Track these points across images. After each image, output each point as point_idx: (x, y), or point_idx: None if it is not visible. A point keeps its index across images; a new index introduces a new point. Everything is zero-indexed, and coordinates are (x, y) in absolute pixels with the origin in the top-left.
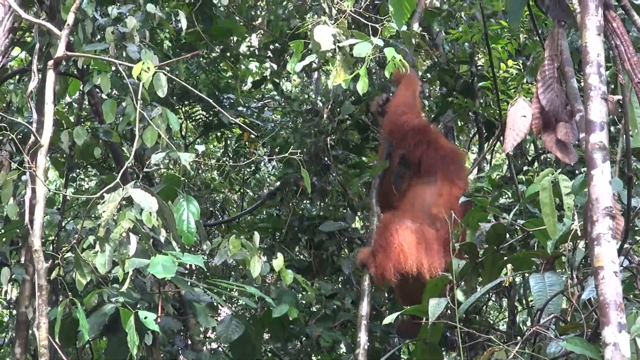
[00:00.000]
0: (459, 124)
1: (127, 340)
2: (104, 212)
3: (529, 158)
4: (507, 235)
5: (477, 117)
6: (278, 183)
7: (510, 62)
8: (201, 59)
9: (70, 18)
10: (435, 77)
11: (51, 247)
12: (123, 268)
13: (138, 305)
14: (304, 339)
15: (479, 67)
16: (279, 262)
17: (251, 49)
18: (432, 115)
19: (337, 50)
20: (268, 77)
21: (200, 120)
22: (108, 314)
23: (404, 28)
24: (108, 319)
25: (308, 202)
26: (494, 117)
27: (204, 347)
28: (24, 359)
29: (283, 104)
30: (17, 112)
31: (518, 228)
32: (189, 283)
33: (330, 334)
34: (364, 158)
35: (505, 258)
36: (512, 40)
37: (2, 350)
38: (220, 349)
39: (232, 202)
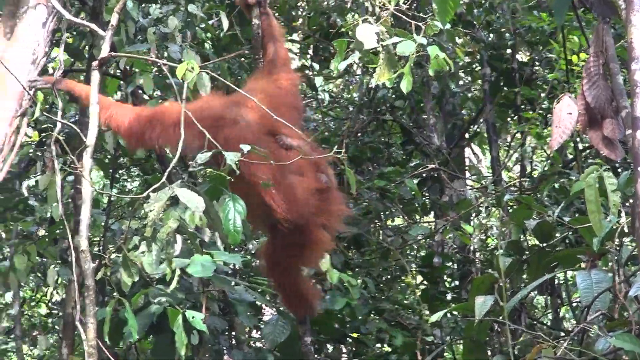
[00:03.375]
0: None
1: (175, 340)
2: (150, 212)
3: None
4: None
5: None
6: None
7: (582, 55)
8: (242, 59)
9: (113, 19)
10: (477, 74)
11: (96, 248)
12: (170, 267)
13: (181, 305)
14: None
15: (549, 57)
16: (325, 262)
17: (293, 48)
18: (478, 112)
19: (380, 48)
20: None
21: None
22: (155, 313)
23: (448, 26)
24: (154, 319)
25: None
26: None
27: (249, 347)
28: None
29: (325, 103)
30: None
31: (564, 225)
32: (232, 283)
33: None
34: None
35: (551, 256)
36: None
37: (49, 351)
38: (265, 348)
39: None
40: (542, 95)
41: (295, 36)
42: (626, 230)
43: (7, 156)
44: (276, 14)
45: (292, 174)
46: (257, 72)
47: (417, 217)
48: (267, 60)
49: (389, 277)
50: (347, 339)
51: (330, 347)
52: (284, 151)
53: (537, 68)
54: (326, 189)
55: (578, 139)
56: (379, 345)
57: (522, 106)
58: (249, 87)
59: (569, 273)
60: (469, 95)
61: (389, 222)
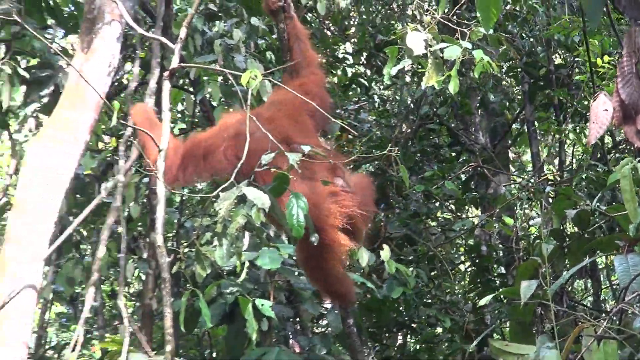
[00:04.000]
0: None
1: (245, 327)
2: (220, 209)
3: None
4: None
5: (557, 107)
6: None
7: (606, 58)
8: None
9: (182, 32)
10: (516, 75)
11: (170, 243)
12: (240, 260)
13: (250, 295)
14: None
15: (577, 60)
16: (385, 252)
17: (346, 55)
18: (518, 113)
19: (428, 54)
20: (355, 80)
21: None
22: (227, 303)
23: (491, 31)
24: (226, 308)
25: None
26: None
27: (314, 333)
28: (149, 347)
29: (378, 106)
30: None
31: (601, 213)
32: (296, 273)
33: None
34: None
35: (590, 242)
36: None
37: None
38: (329, 333)
39: None
40: (577, 95)
41: (347, 45)
42: None
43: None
44: (330, 24)
45: (306, 179)
46: (283, 77)
47: (467, 210)
48: (293, 62)
49: (439, 266)
50: (402, 325)
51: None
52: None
53: (567, 70)
54: (343, 192)
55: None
56: (430, 329)
57: (560, 106)
58: (270, 99)
59: (607, 258)
60: (511, 97)
61: (438, 215)
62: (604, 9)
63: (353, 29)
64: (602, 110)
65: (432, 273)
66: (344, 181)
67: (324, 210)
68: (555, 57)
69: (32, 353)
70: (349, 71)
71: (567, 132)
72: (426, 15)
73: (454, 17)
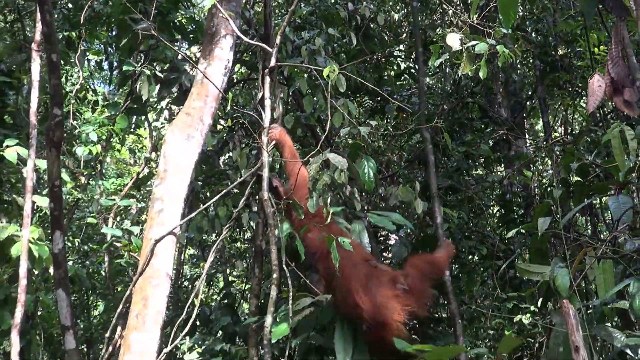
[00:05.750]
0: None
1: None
2: (310, 170)
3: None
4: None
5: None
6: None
7: (602, 47)
8: (365, 64)
9: (277, 40)
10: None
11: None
12: (326, 208)
13: None
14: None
15: (579, 50)
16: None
17: (399, 53)
18: (532, 92)
19: (463, 49)
20: (407, 72)
21: (367, 106)
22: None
23: (510, 30)
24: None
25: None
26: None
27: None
28: (260, 277)
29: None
30: (243, 107)
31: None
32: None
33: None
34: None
35: (589, 188)
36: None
37: (244, 272)
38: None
39: (393, 162)
40: (577, 77)
41: (401, 46)
42: None
43: (208, 138)
44: (387, 31)
45: (375, 285)
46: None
47: (495, 167)
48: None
49: (476, 209)
50: None
51: None
52: (373, 269)
53: (572, 59)
54: (402, 293)
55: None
56: (470, 257)
57: (564, 85)
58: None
59: (602, 199)
60: (526, 80)
61: (473, 172)
62: (596, 8)
63: (404, 35)
64: (597, 86)
65: (471, 214)
66: (402, 285)
67: (389, 308)
68: (560, 48)
69: (172, 283)
70: (402, 65)
71: (570, 104)
72: (460, 20)
73: (482, 20)
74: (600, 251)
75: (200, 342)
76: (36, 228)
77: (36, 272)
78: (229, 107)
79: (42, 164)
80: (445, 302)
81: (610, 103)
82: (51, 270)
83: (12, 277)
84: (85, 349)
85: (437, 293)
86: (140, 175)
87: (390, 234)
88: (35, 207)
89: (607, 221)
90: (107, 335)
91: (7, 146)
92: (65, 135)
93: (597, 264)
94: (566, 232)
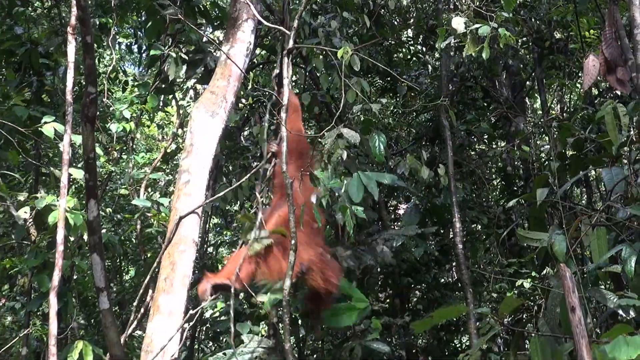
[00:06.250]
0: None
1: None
2: (326, 144)
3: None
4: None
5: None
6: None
7: (592, 31)
8: (377, 47)
9: (295, 23)
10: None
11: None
12: (340, 178)
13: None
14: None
15: (571, 34)
16: (441, 171)
17: (408, 37)
18: (530, 73)
19: (467, 32)
20: (415, 55)
21: (378, 86)
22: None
23: (511, 15)
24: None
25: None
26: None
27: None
28: None
29: (431, 72)
30: (263, 87)
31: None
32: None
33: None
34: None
35: (584, 160)
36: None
37: None
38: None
39: (402, 138)
40: (571, 59)
41: (409, 30)
42: (634, 140)
43: (231, 115)
44: (396, 16)
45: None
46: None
47: (496, 142)
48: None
49: (478, 181)
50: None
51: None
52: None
53: (567, 43)
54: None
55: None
56: (473, 225)
57: (560, 67)
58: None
59: (596, 171)
60: (525, 62)
61: (476, 147)
62: None
63: (412, 20)
64: (592, 65)
65: (473, 187)
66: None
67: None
68: (556, 33)
69: (198, 249)
70: (411, 49)
71: (566, 84)
72: (464, 4)
73: (484, 5)
74: (595, 219)
75: (222, 302)
76: (72, 198)
77: (72, 238)
78: (250, 87)
79: (78, 138)
80: (450, 268)
81: (604, 82)
82: (86, 236)
83: (49, 243)
84: (118, 310)
85: (446, 259)
86: (168, 150)
87: (399, 204)
88: (71, 179)
89: (601, 191)
90: (138, 297)
91: (45, 122)
92: (98, 112)
93: (591, 231)
94: (563, 201)
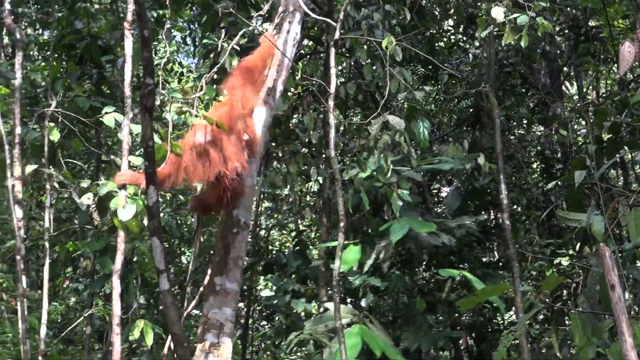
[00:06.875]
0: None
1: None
2: (372, 131)
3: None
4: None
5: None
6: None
7: (620, 21)
8: (419, 37)
9: (341, 16)
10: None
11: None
12: (387, 164)
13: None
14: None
15: (601, 24)
16: (481, 159)
17: (448, 27)
18: (566, 59)
19: (506, 21)
20: (456, 44)
21: (420, 74)
22: (380, 193)
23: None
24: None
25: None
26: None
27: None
28: (328, 225)
29: (472, 60)
30: (311, 76)
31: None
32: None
33: None
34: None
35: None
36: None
37: (313, 221)
38: (445, 214)
39: (444, 124)
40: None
41: (450, 20)
42: None
43: (280, 103)
44: (436, 6)
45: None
46: None
47: (535, 127)
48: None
49: (518, 164)
50: (494, 205)
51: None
52: None
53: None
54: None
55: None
56: (514, 206)
57: (595, 52)
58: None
59: (632, 154)
60: (562, 49)
61: (515, 132)
62: None
63: (452, 10)
64: (627, 52)
65: (513, 169)
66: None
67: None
68: (591, 21)
69: (251, 231)
70: (452, 38)
71: (601, 70)
72: None
73: None
74: (632, 200)
75: (275, 282)
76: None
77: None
78: (298, 76)
79: (136, 128)
80: (492, 248)
81: (638, 67)
82: (145, 221)
83: (111, 228)
84: (176, 289)
85: (487, 239)
86: None
87: (441, 187)
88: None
89: (637, 173)
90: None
91: (106, 113)
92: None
93: (629, 212)
94: (600, 183)
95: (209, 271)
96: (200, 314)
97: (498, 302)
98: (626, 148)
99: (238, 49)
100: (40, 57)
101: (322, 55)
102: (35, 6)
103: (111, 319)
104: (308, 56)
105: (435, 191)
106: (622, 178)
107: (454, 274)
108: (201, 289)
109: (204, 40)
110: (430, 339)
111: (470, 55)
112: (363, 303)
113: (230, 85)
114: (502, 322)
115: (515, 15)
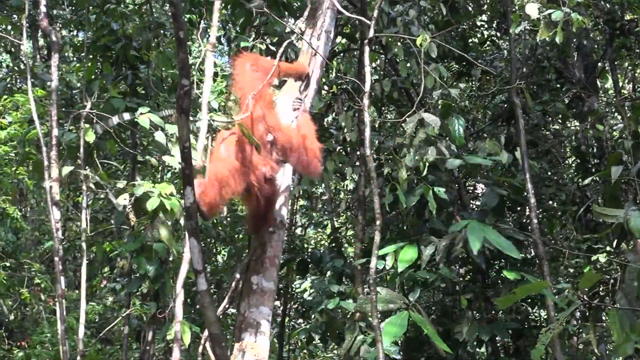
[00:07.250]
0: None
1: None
2: (407, 128)
3: None
4: None
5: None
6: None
7: None
8: (452, 33)
9: (375, 13)
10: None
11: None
12: (423, 162)
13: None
14: None
15: (636, 18)
16: (519, 154)
17: (482, 22)
18: (602, 54)
19: (541, 17)
20: (490, 39)
21: (454, 70)
22: (422, 192)
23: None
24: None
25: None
26: None
27: (472, 210)
28: (363, 223)
29: (506, 55)
30: (344, 74)
31: None
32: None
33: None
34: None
35: None
36: None
37: (348, 219)
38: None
39: (478, 120)
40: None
41: (483, 16)
42: None
43: (315, 101)
44: (469, 2)
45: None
46: None
47: (570, 122)
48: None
49: (554, 159)
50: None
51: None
52: None
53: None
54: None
55: None
56: (550, 202)
57: (631, 47)
58: None
59: None
60: (597, 44)
61: (551, 127)
62: None
63: (485, 6)
64: None
65: (549, 165)
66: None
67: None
68: (627, 15)
69: (286, 230)
70: (485, 33)
71: (637, 64)
72: None
73: None
74: None
75: (313, 281)
76: (169, 184)
77: (169, 223)
78: (332, 74)
79: (172, 128)
80: (528, 245)
81: None
82: (182, 221)
83: (147, 228)
84: (213, 289)
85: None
86: None
87: (477, 184)
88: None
89: None
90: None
91: (141, 113)
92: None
93: None
94: (637, 179)
95: (238, 270)
96: (236, 312)
97: (551, 295)
98: None
99: (271, 48)
100: (75, 59)
101: (355, 52)
102: (70, 8)
103: (147, 318)
104: (342, 54)
105: (471, 188)
106: None
107: (516, 276)
108: (232, 286)
109: (242, 43)
110: (483, 330)
111: (505, 51)
112: (410, 297)
113: (240, 86)
114: (538, 318)
115: (549, 11)
